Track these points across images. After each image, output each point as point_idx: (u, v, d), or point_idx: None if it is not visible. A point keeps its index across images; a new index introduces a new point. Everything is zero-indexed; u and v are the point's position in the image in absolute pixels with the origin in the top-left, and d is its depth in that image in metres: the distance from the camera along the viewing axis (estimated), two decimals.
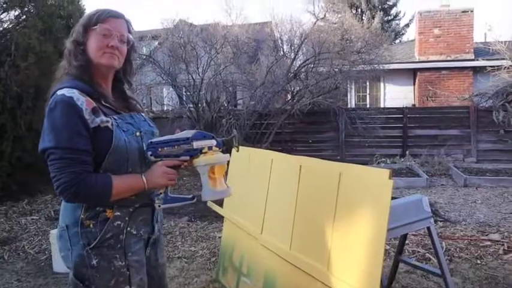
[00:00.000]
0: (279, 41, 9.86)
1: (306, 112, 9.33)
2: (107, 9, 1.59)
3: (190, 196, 1.57)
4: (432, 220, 2.83)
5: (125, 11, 1.69)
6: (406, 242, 4.13)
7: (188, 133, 1.53)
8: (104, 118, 1.47)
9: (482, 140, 9.34)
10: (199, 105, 9.12)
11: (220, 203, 3.40)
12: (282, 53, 9.65)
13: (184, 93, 9.49)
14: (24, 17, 6.66)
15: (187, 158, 1.52)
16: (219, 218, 4.41)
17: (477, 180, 7.01)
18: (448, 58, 12.19)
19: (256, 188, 2.92)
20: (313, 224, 2.31)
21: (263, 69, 9.13)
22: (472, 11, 12.22)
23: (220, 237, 4.04)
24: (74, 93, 1.44)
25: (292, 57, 9.26)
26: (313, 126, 10.18)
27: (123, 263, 1.51)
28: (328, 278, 2.12)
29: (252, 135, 9.20)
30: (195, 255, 4.05)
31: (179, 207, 4.31)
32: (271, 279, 2.64)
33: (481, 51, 11.73)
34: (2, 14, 6.46)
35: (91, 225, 1.47)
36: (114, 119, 1.51)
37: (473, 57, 11.96)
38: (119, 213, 1.51)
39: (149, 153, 1.54)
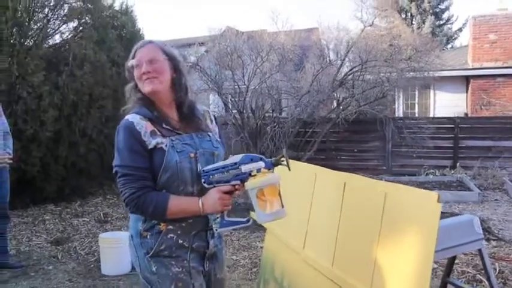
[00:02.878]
0: (325, 48, 9.77)
1: (352, 121, 9.17)
2: (137, 44, 1.75)
3: (245, 219, 1.62)
4: (484, 242, 2.70)
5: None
6: (456, 261, 3.98)
7: (236, 158, 1.59)
8: (159, 140, 1.61)
9: None
10: (244, 112, 9.19)
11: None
12: (328, 60, 9.56)
13: (229, 100, 9.61)
14: (81, 28, 7.02)
15: (238, 182, 1.58)
16: (262, 228, 4.41)
17: None
18: (505, 65, 11.58)
19: (300, 202, 2.90)
20: (357, 243, 2.27)
21: (309, 76, 9.06)
22: None
23: (262, 247, 4.05)
24: (136, 119, 1.62)
25: (339, 64, 9.14)
26: (359, 135, 9.99)
27: (180, 269, 1.64)
28: None
29: (297, 143, 9.16)
30: (237, 265, 4.08)
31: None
32: None
33: None
34: (62, 25, 6.84)
35: (148, 236, 1.63)
36: (172, 140, 1.63)
37: None
38: (171, 227, 1.63)
39: (203, 180, 1.61)
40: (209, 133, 1.77)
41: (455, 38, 24.56)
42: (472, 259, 3.98)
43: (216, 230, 1.65)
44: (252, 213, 1.73)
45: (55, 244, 4.94)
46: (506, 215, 5.86)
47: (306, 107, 8.82)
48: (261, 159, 1.57)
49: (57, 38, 6.95)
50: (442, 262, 3.63)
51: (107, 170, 7.61)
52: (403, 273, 1.91)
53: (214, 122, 1.87)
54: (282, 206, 1.57)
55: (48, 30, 6.66)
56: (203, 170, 1.62)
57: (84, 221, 5.87)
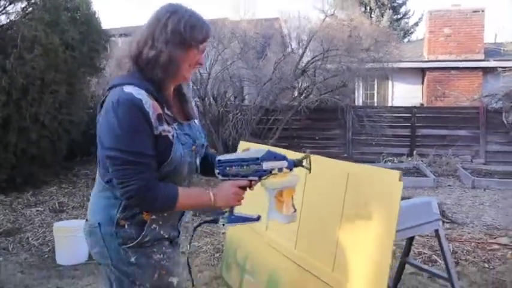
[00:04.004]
0: (287, 37, 9.78)
1: (313, 109, 9.26)
2: (206, 22, 1.46)
3: (255, 216, 1.52)
4: (441, 223, 2.78)
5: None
6: (413, 242, 4.10)
7: (258, 152, 1.47)
8: (166, 127, 1.41)
9: (491, 141, 9.23)
10: (206, 99, 9.07)
11: None
12: (290, 49, 9.57)
13: (191, 87, 9.43)
14: (31, 9, 6.62)
15: (256, 178, 1.48)
16: None
17: (485, 182, 6.92)
18: (458, 58, 12.04)
19: (260, 185, 2.88)
20: (319, 224, 2.27)
21: (271, 64, 9.05)
22: (483, 11, 12.05)
23: (224, 233, 4.01)
24: (143, 96, 1.36)
25: (300, 53, 9.18)
26: (320, 123, 10.11)
27: (161, 255, 1.50)
28: (333, 279, 2.07)
29: (259, 130, 9.15)
30: (199, 251, 4.03)
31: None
32: (275, 278, 2.60)
33: (491, 52, 11.58)
34: (8, 5, 6.41)
35: (126, 225, 1.45)
36: (175, 129, 1.45)
37: (483, 58, 11.80)
38: (154, 217, 1.47)
39: (217, 171, 1.51)
40: (195, 120, 1.63)
41: (411, 32, 25.30)
42: (427, 241, 4.11)
43: (223, 224, 1.52)
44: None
45: (5, 235, 4.68)
46: (459, 199, 6.11)
47: (268, 94, 8.81)
48: (284, 158, 1.48)
49: (3, 19, 6.53)
50: (400, 244, 3.72)
51: (61, 158, 7.31)
52: (366, 251, 1.92)
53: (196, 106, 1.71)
54: (295, 210, 1.52)
55: None
56: (219, 160, 1.51)
57: (37, 211, 5.60)
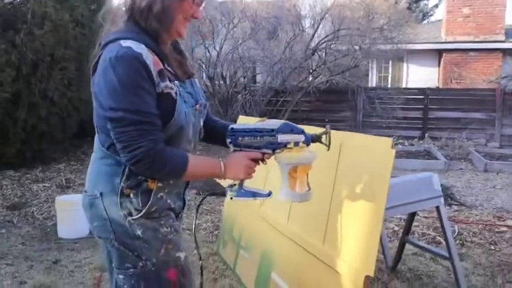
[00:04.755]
0: (299, 16, 9.59)
1: (324, 90, 9.12)
2: None
3: (266, 192, 1.43)
4: (442, 200, 2.69)
5: None
6: (417, 224, 4.01)
7: (274, 124, 1.37)
8: (168, 84, 1.29)
9: (507, 124, 8.97)
10: (216, 79, 9.00)
11: None
12: (301, 28, 9.40)
13: (201, 67, 9.38)
14: None
15: (270, 151, 1.38)
16: None
17: (498, 166, 6.73)
18: (477, 39, 11.66)
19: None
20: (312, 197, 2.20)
21: (282, 44, 8.92)
22: None
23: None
24: (143, 50, 1.25)
25: (312, 33, 9.00)
26: (331, 104, 9.96)
27: (169, 229, 1.39)
28: (323, 253, 2.02)
29: (268, 112, 9.06)
30: (198, 228, 4.01)
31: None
32: (269, 253, 2.56)
33: None
34: None
35: (131, 194, 1.32)
36: (177, 86, 1.34)
37: (503, 39, 11.40)
38: (161, 184, 1.35)
39: (228, 140, 1.42)
40: (196, 79, 1.51)
41: (431, 15, 24.59)
42: (433, 222, 4.02)
43: (231, 198, 1.42)
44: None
45: (11, 209, 4.75)
46: (469, 182, 5.96)
47: (278, 75, 8.70)
48: (302, 131, 1.38)
49: None
50: (402, 224, 3.64)
51: (71, 135, 7.37)
52: (356, 223, 1.86)
53: None
54: (309, 188, 1.44)
55: None
56: (232, 128, 1.41)
57: (44, 186, 5.66)
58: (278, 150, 1.38)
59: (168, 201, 1.39)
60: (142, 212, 1.33)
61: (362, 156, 1.91)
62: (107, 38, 1.30)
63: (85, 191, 1.42)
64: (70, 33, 6.50)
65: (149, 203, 1.33)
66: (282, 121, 1.39)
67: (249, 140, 1.38)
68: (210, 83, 9.00)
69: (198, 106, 1.42)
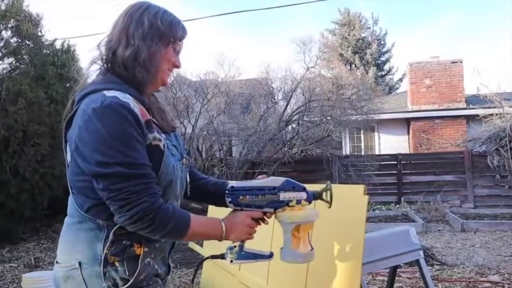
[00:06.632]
0: (272, 90, 9.99)
1: (299, 160, 9.26)
2: (180, 20, 1.34)
3: (268, 253, 1.37)
4: (421, 252, 2.66)
5: None
6: (400, 284, 3.92)
7: (275, 181, 1.33)
8: (157, 135, 1.21)
9: (478, 185, 9.18)
10: (192, 154, 9.06)
11: (200, 242, 3.23)
12: (274, 101, 9.75)
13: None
14: (18, 64, 6.77)
15: (271, 210, 1.33)
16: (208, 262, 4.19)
17: (474, 225, 6.79)
18: (441, 107, 12.32)
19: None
20: None
21: (256, 117, 9.18)
22: (461, 62, 12.51)
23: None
24: (130, 100, 1.16)
25: (284, 105, 9.34)
26: (307, 174, 10.02)
27: None
28: None
29: None
30: None
31: None
32: None
33: (473, 100, 11.87)
34: None
35: (116, 262, 1.17)
36: (164, 139, 1.25)
37: (465, 106, 12.07)
38: (147, 249, 1.23)
39: (228, 199, 1.33)
40: (178, 133, 1.44)
41: (397, 88, 26.12)
42: (416, 282, 3.93)
43: (232, 261, 1.33)
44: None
45: None
46: (448, 243, 5.94)
47: (253, 147, 8.83)
48: (304, 189, 1.36)
49: None
50: (384, 286, 3.55)
51: (42, 214, 7.10)
52: (335, 274, 1.81)
53: None
54: (312, 248, 1.40)
55: None
56: (232, 187, 1.33)
57: (11, 266, 5.34)
58: (280, 209, 1.33)
59: (156, 266, 1.27)
60: (130, 282, 1.18)
61: (336, 205, 1.91)
62: (84, 90, 1.22)
63: (57, 262, 1.27)
64: (44, 110, 6.56)
65: (137, 270, 1.19)
66: (283, 178, 1.35)
67: (250, 198, 1.32)
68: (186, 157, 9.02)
69: (184, 160, 1.36)
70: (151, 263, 1.24)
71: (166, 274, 1.37)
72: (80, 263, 1.18)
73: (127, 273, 1.18)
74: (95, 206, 1.18)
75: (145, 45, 1.22)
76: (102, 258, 1.17)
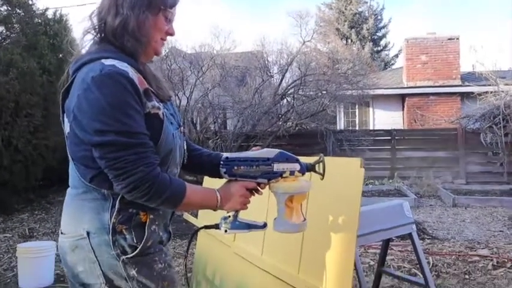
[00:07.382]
0: (267, 62, 9.90)
1: (293, 134, 9.26)
2: None
3: (262, 223, 1.39)
4: (414, 226, 2.70)
5: None
6: (392, 257, 4.00)
7: (269, 153, 1.34)
8: (155, 103, 1.21)
9: (470, 161, 9.29)
10: (186, 126, 9.02)
11: (195, 213, 3.25)
12: (269, 74, 9.67)
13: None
14: (9, 33, 6.62)
15: (265, 181, 1.34)
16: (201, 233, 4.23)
17: (466, 200, 6.90)
18: (436, 84, 12.29)
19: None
20: None
21: (251, 90, 9.11)
22: (457, 38, 12.42)
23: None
24: (128, 68, 1.16)
25: (280, 79, 9.27)
26: (301, 148, 10.04)
27: (162, 264, 1.28)
28: (298, 282, 1.96)
29: None
30: None
31: None
32: (244, 287, 2.47)
33: (468, 77, 11.85)
34: None
35: (124, 230, 1.20)
36: (162, 107, 1.25)
37: (460, 83, 12.06)
38: (152, 216, 1.24)
39: (223, 170, 1.34)
40: (172, 103, 1.44)
41: (392, 64, 25.97)
42: (407, 255, 4.01)
43: (226, 230, 1.35)
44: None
45: None
46: (440, 217, 6.04)
47: (248, 120, 8.81)
48: (297, 160, 1.38)
49: None
50: (377, 259, 3.61)
51: (35, 185, 7.10)
52: (329, 247, 1.83)
53: None
54: (304, 218, 1.42)
55: None
56: (226, 158, 1.34)
57: (5, 236, 5.37)
58: (273, 180, 1.34)
59: (160, 233, 1.29)
60: (138, 249, 1.20)
61: (332, 178, 1.91)
62: (79, 61, 1.21)
63: (62, 233, 1.28)
64: (37, 80, 6.47)
65: (144, 237, 1.21)
66: (277, 150, 1.36)
67: (245, 169, 1.33)
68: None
69: (182, 128, 1.37)
70: (156, 229, 1.26)
71: (168, 240, 1.39)
72: (88, 233, 1.20)
73: (135, 241, 1.21)
74: (98, 175, 1.19)
75: (133, 14, 1.21)
76: (110, 227, 1.19)
